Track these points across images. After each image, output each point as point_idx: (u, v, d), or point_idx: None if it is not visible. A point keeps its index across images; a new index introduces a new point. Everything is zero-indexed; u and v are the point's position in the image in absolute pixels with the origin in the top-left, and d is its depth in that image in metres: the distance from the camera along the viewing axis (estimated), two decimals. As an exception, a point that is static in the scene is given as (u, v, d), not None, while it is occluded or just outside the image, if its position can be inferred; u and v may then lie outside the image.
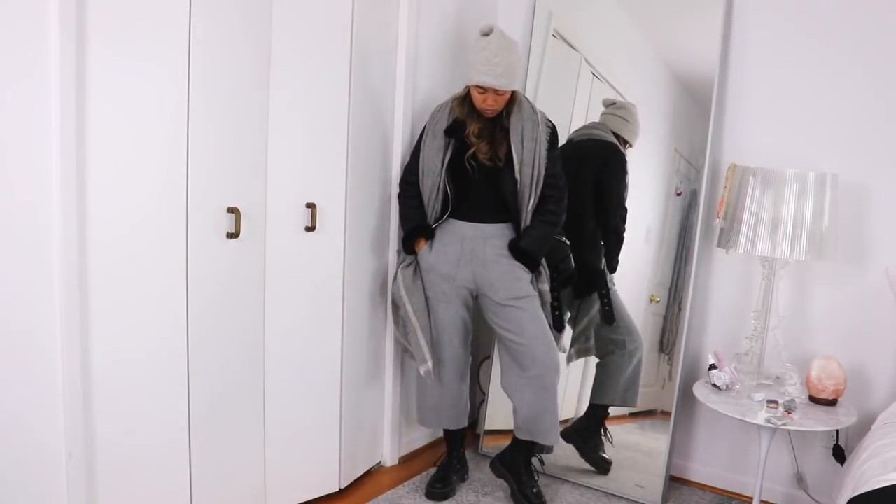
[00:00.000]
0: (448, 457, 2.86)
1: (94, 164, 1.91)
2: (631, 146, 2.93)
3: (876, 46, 2.52)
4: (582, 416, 3.01)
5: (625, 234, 2.95)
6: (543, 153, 2.54)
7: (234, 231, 2.21)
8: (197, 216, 2.13)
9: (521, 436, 2.68)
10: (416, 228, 2.63)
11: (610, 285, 2.92)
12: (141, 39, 1.96)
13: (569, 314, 2.96)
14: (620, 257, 2.97)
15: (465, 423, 2.85)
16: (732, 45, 2.75)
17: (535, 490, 2.70)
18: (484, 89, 2.46)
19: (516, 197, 2.56)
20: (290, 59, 2.31)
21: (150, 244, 2.05)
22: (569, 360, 3.00)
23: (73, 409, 1.93)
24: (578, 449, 2.97)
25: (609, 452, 2.96)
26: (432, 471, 2.85)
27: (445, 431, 2.87)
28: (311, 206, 2.42)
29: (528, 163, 2.53)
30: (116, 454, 2.05)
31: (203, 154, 2.12)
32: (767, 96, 2.71)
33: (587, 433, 2.98)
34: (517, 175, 2.53)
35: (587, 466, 2.95)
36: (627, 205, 2.94)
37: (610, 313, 2.89)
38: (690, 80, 2.84)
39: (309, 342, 2.52)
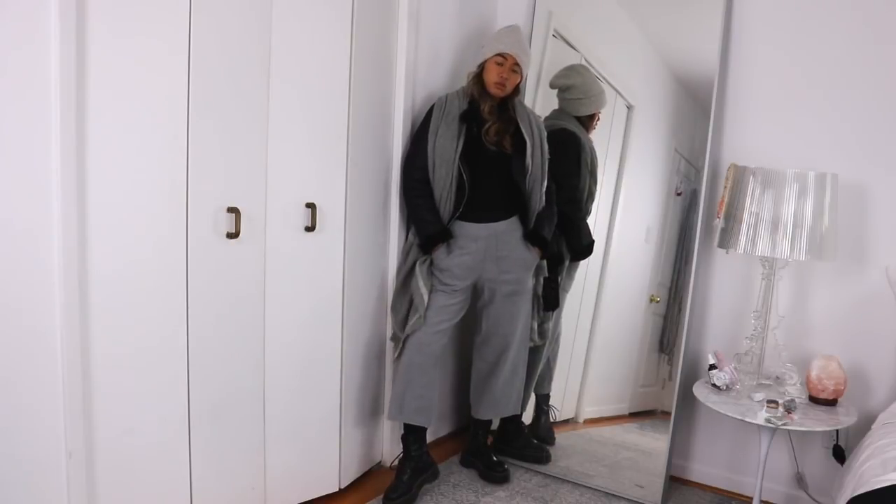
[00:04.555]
0: (405, 458, 2.72)
1: (95, 163, 1.90)
2: (598, 119, 2.97)
3: (876, 46, 2.52)
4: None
5: (580, 218, 2.94)
6: (546, 144, 2.73)
7: (234, 231, 2.21)
8: (197, 216, 2.13)
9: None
10: (437, 234, 2.63)
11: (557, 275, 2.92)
12: (141, 39, 1.96)
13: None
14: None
15: (428, 423, 2.72)
16: (732, 45, 2.75)
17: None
18: (504, 58, 2.62)
19: (526, 182, 2.66)
20: (291, 59, 2.31)
21: (150, 244, 2.05)
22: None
23: (73, 409, 1.92)
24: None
25: (609, 452, 2.95)
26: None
27: (406, 427, 2.71)
28: (311, 206, 2.42)
29: (538, 147, 2.68)
30: (116, 454, 2.05)
31: (203, 154, 2.12)
32: (767, 96, 2.71)
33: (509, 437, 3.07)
34: (528, 160, 2.64)
35: (587, 467, 2.96)
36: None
37: (550, 299, 2.86)
38: (690, 80, 2.84)
39: (309, 342, 2.52)
